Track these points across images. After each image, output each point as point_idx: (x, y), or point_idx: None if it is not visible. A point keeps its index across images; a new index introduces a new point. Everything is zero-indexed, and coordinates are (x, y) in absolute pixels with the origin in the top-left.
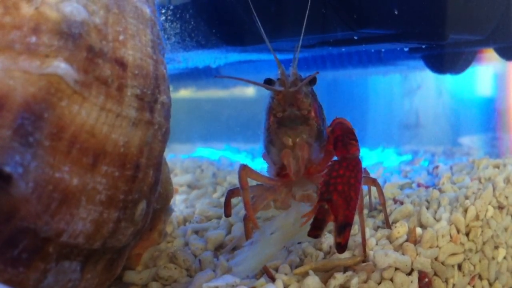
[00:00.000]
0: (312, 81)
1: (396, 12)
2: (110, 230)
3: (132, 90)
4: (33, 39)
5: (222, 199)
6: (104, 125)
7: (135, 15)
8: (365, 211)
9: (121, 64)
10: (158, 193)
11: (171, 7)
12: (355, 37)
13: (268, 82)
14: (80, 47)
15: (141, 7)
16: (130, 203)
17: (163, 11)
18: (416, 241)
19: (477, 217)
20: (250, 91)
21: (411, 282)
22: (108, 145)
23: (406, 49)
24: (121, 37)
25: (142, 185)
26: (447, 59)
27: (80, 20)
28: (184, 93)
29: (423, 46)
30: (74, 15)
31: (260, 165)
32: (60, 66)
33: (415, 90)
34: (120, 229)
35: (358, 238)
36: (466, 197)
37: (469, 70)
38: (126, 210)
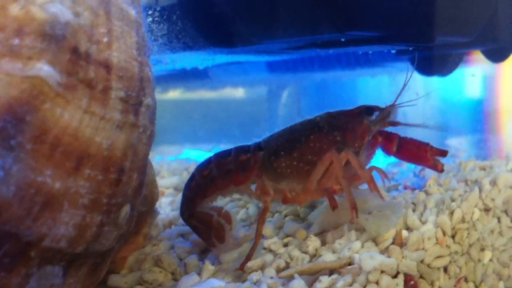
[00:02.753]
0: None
1: (383, 14)
2: (93, 234)
3: (117, 92)
4: (16, 41)
5: None
6: (88, 128)
7: (120, 17)
8: None
9: (106, 66)
10: (143, 196)
11: (158, 8)
12: (343, 39)
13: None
14: (64, 49)
15: (127, 9)
16: (114, 207)
17: (150, 12)
18: (402, 244)
19: (463, 220)
20: (239, 92)
21: (397, 285)
22: (91, 148)
23: (393, 51)
24: (105, 39)
25: (126, 188)
26: (434, 61)
27: (64, 22)
28: (172, 94)
29: (410, 48)
30: (58, 16)
31: None
32: (43, 69)
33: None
34: (104, 233)
35: (344, 241)
36: (453, 200)
37: (457, 72)
38: (110, 214)
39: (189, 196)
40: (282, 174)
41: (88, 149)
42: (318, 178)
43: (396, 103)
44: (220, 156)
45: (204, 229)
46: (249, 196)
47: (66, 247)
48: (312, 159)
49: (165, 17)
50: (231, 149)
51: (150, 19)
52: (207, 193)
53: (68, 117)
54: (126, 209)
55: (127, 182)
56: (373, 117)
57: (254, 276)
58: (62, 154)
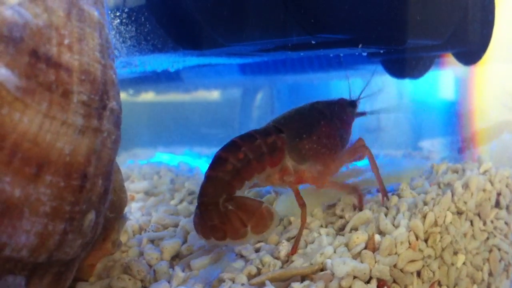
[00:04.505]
0: None
1: (353, 17)
2: (56, 243)
3: (79, 96)
4: None
5: (180, 207)
6: (48, 133)
7: (82, 18)
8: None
9: (67, 69)
10: (111, 202)
11: (126, 10)
12: (313, 42)
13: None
14: (22, 52)
15: (89, 10)
16: (78, 214)
17: (118, 13)
18: (374, 249)
19: (435, 223)
20: (212, 95)
21: None
22: (52, 154)
23: (364, 54)
24: (66, 41)
25: (90, 195)
26: (405, 64)
27: (22, 24)
28: (145, 97)
29: (381, 51)
30: (15, 18)
31: None
32: (0, 72)
33: (376, 94)
34: (67, 241)
35: (315, 246)
36: (425, 203)
37: (431, 74)
38: (73, 221)
39: (227, 179)
40: (305, 156)
41: (48, 155)
42: (346, 161)
43: (360, 98)
44: (248, 139)
45: (240, 215)
46: (267, 180)
47: (28, 256)
48: (326, 143)
49: (133, 18)
50: (250, 133)
51: (118, 20)
52: (246, 176)
53: (27, 122)
54: (91, 216)
55: (91, 188)
56: (354, 109)
57: (225, 284)
58: (21, 160)
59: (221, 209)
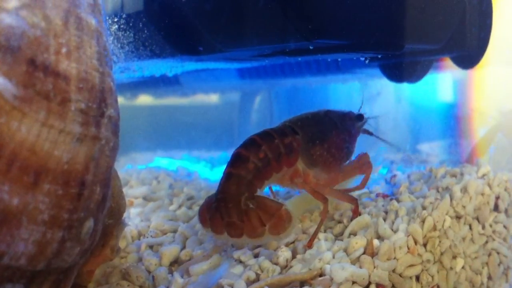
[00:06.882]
0: None
1: (350, 23)
2: (54, 251)
3: (76, 104)
4: None
5: (179, 212)
6: (46, 142)
7: (79, 26)
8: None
9: (64, 77)
10: (110, 208)
11: (124, 16)
12: (311, 47)
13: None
14: (20, 61)
15: (86, 18)
16: (76, 222)
17: (116, 19)
18: (373, 253)
19: (434, 228)
20: (210, 99)
21: None
22: (50, 162)
23: (362, 59)
24: (64, 50)
25: (88, 202)
26: (403, 68)
27: (19, 32)
28: (143, 101)
29: (379, 56)
30: (13, 27)
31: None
32: None
33: (375, 97)
34: (66, 249)
35: (314, 251)
36: (424, 207)
37: (429, 78)
38: (72, 229)
39: (249, 178)
40: (315, 161)
41: (47, 163)
42: (351, 175)
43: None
44: (267, 138)
45: (259, 215)
46: (279, 180)
47: (26, 264)
48: (334, 153)
49: (131, 24)
50: (268, 132)
51: (116, 26)
52: (266, 175)
53: (25, 131)
54: (89, 224)
55: (89, 196)
56: (362, 125)
57: None
58: (19, 169)
59: (242, 207)
